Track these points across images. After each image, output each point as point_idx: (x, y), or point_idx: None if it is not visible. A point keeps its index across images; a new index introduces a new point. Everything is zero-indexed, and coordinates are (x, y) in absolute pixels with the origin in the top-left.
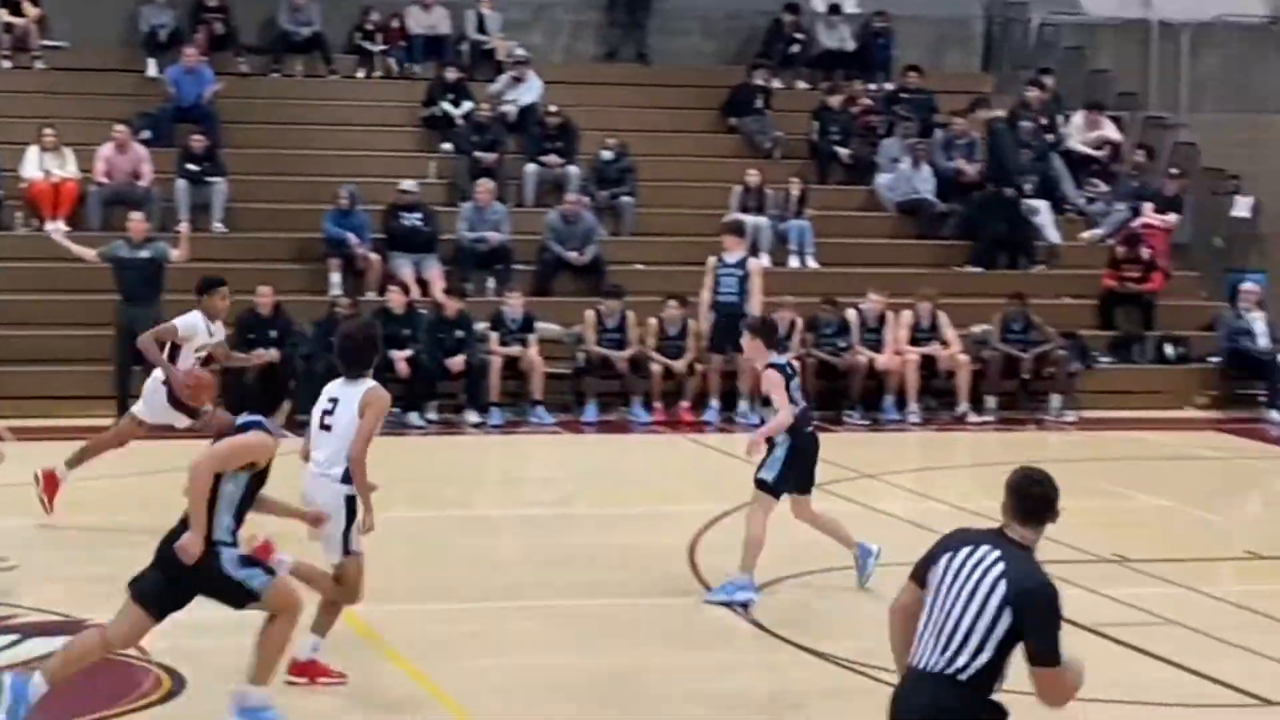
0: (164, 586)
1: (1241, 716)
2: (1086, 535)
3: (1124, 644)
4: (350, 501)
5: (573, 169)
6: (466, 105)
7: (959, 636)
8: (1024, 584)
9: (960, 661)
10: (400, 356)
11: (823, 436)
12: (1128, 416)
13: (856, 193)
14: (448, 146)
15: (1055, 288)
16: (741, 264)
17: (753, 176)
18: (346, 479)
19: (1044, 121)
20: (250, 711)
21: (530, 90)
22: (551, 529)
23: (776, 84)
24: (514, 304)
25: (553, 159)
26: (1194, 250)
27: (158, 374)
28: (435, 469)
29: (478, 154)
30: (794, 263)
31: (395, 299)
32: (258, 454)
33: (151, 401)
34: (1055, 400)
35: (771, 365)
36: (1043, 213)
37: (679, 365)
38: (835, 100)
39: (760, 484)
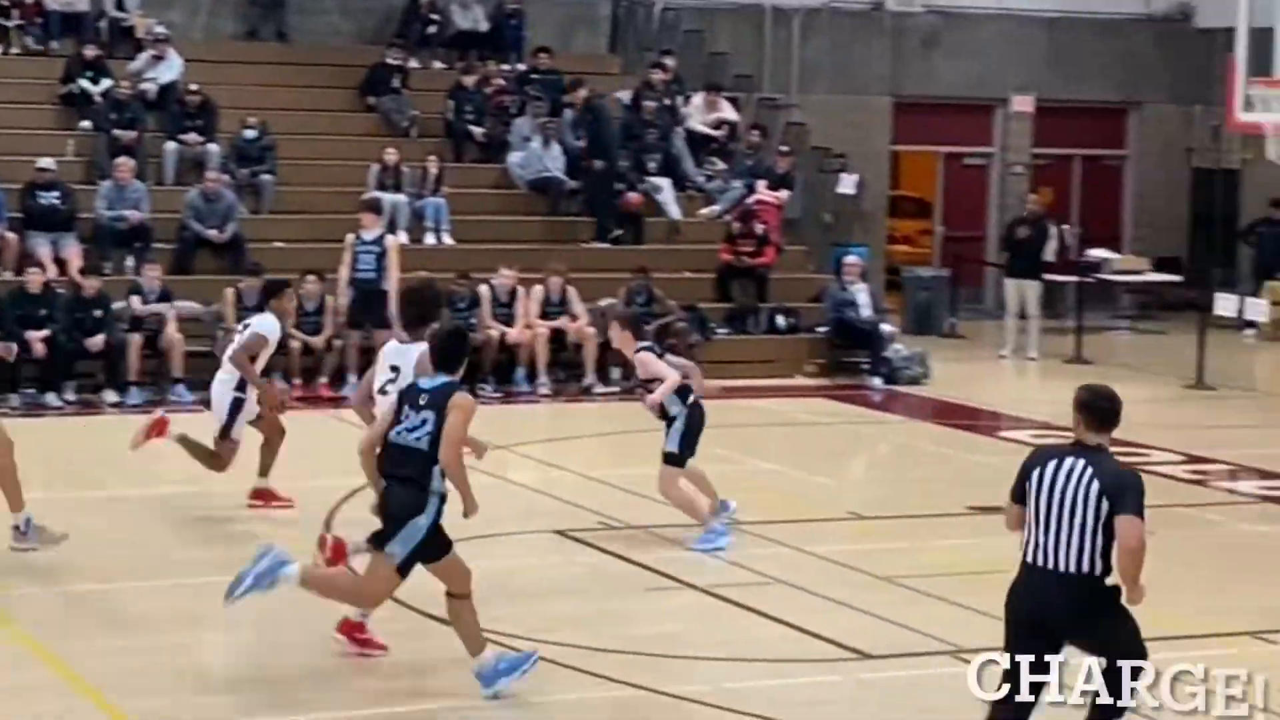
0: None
1: (842, 669)
2: None
3: (735, 603)
4: None
5: (213, 147)
6: (105, 83)
7: (1075, 536)
8: (1112, 476)
9: (1085, 559)
10: (37, 337)
11: None
12: (743, 385)
13: (490, 171)
14: (86, 124)
15: (676, 262)
16: (379, 241)
17: (390, 155)
18: None
19: (667, 102)
20: (488, 675)
21: (170, 68)
22: (190, 507)
23: (413, 64)
24: (151, 277)
25: (193, 137)
26: (803, 225)
27: (228, 382)
28: (72, 449)
29: (117, 132)
30: (430, 239)
31: (33, 279)
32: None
33: (240, 413)
34: None
35: (641, 349)
36: (665, 190)
37: (317, 341)
38: (470, 80)
39: (667, 457)
